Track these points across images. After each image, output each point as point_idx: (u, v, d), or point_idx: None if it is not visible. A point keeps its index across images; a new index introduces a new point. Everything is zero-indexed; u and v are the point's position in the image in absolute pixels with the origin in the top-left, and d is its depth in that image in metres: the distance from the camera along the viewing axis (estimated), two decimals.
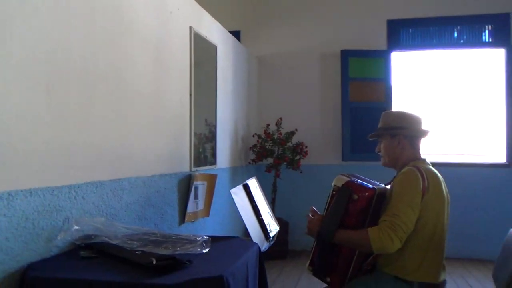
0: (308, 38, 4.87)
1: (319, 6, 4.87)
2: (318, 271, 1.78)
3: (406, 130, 1.87)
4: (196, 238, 1.61)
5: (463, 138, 4.79)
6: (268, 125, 4.39)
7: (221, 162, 3.64)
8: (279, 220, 4.39)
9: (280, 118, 4.40)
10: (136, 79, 2.27)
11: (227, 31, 3.89)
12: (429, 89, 4.86)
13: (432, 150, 4.77)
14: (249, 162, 4.53)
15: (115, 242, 1.57)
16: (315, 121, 4.83)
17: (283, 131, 4.37)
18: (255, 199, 2.25)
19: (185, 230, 2.86)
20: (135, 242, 1.56)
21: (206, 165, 3.28)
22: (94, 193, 1.88)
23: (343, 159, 4.66)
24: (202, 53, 3.18)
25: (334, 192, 1.77)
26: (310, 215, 1.84)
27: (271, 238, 2.26)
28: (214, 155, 3.49)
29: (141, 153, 2.33)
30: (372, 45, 4.69)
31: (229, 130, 3.95)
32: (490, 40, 4.48)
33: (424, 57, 4.80)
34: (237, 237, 2.41)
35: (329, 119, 4.81)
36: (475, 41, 4.54)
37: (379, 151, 1.98)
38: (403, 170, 1.79)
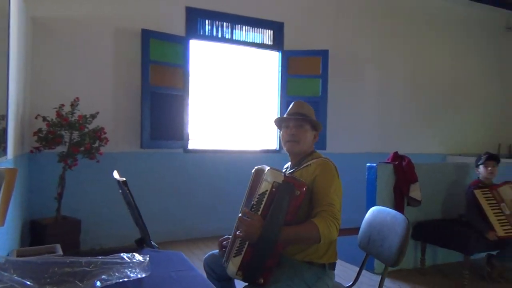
0: (104, 7, 4.28)
1: None
2: (250, 275, 1.66)
3: (320, 128, 1.99)
4: (133, 259, 1.23)
5: (243, 127, 5.36)
6: (63, 105, 3.62)
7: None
8: (68, 219, 3.77)
9: (77, 98, 3.71)
10: None
11: None
12: (220, 80, 5.18)
13: (215, 138, 5.14)
14: (31, 151, 3.63)
15: None
16: (110, 104, 4.32)
17: (77, 114, 3.70)
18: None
19: None
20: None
21: None
22: None
23: (142, 146, 4.38)
24: None
25: (274, 189, 1.67)
26: (246, 218, 1.67)
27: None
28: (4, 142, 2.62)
29: None
30: (172, 29, 4.58)
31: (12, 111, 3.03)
32: (270, 43, 5.17)
33: (218, 49, 5.05)
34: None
35: (126, 102, 4.41)
36: (259, 43, 5.13)
37: (292, 136, 1.98)
38: (318, 161, 1.89)
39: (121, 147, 4.35)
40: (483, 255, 3.60)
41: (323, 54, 5.14)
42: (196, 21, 4.78)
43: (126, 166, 4.28)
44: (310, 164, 1.92)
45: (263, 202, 1.69)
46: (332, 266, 1.92)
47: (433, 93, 6.34)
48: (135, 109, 4.39)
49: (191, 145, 4.80)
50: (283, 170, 2.12)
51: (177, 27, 4.65)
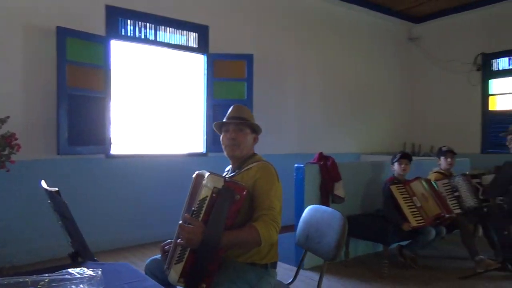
0: (11, 0, 3.89)
1: None
2: (193, 281, 1.64)
3: (260, 132, 2.02)
4: (84, 274, 1.17)
5: (169, 131, 5.24)
6: None
7: None
8: None
9: None
10: None
11: None
12: (145, 82, 5.00)
13: (140, 142, 4.97)
14: None
15: None
16: (21, 107, 3.94)
17: None
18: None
19: None
20: None
21: None
22: None
23: (58, 153, 4.07)
24: None
25: (214, 195, 1.65)
26: (187, 224, 1.63)
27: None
28: None
29: None
30: (91, 28, 4.31)
31: None
32: (196, 46, 5.12)
33: (141, 50, 4.88)
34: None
35: (40, 105, 4.06)
36: (184, 45, 5.05)
37: (232, 140, 1.98)
38: (258, 164, 1.92)
39: (35, 154, 3.98)
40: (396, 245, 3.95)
41: (248, 58, 5.24)
42: (117, 21, 4.56)
43: (41, 174, 3.86)
44: (251, 167, 1.95)
45: (204, 208, 1.68)
46: (274, 265, 1.98)
47: (347, 96, 6.79)
48: (50, 112, 4.05)
49: (114, 150, 4.57)
50: (224, 174, 2.13)
51: (97, 26, 4.39)
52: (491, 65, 6.78)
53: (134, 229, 4.61)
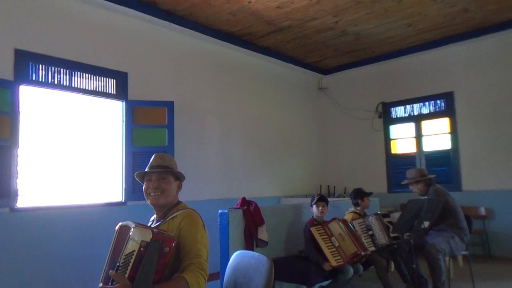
0: None
1: None
2: None
3: (183, 178, 2.03)
4: None
5: (84, 180, 4.95)
6: None
7: None
8: None
9: None
10: None
11: None
12: (59, 129, 4.72)
13: (52, 193, 4.63)
14: None
15: None
16: None
17: None
18: None
19: None
20: None
21: None
22: None
23: None
24: None
25: (142, 249, 1.59)
26: (112, 283, 1.55)
27: None
28: None
29: None
30: None
31: None
32: (114, 92, 5.02)
33: (54, 96, 4.64)
34: None
35: None
36: (101, 91, 4.92)
37: (155, 188, 1.96)
38: (183, 213, 1.91)
39: None
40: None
41: (169, 105, 5.25)
42: (27, 65, 4.32)
43: None
44: (176, 215, 1.94)
45: (131, 263, 1.61)
46: None
47: (266, 141, 7.07)
48: None
49: (21, 203, 4.17)
50: (149, 224, 2.08)
51: (4, 71, 4.13)
52: (390, 112, 7.59)
53: None
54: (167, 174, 2.01)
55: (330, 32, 6.31)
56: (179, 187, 2.09)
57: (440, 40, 6.75)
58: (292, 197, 7.11)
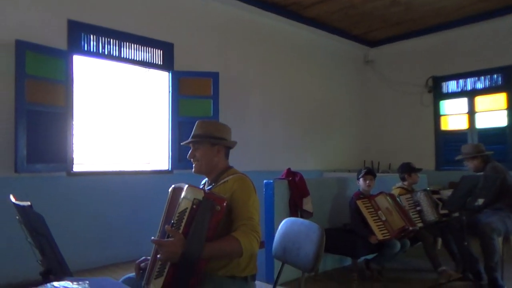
0: None
1: None
2: None
3: (226, 141, 2.00)
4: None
5: (132, 148, 5.12)
6: None
7: None
8: None
9: None
10: None
11: None
12: (108, 98, 4.87)
13: (104, 159, 4.82)
14: None
15: None
16: None
17: None
18: None
19: None
20: None
21: None
22: None
23: (16, 171, 3.84)
24: None
25: (194, 206, 1.63)
26: (167, 236, 1.59)
27: None
28: None
29: None
30: (52, 42, 4.18)
31: None
32: (160, 63, 5.08)
33: (104, 66, 4.76)
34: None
35: None
36: (149, 62, 4.99)
37: (193, 158, 1.99)
38: (234, 177, 1.91)
39: None
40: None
41: (214, 76, 5.26)
42: (79, 36, 4.44)
43: None
44: (227, 180, 1.95)
45: (184, 220, 1.66)
46: (253, 277, 1.96)
47: (308, 115, 6.95)
48: (7, 128, 3.85)
49: (77, 168, 4.38)
50: (200, 186, 2.11)
51: (58, 41, 4.27)
52: (441, 87, 7.22)
53: (98, 250, 4.39)
54: (197, 143, 2.01)
55: (379, 1, 6.02)
56: (220, 151, 2.04)
57: (498, 10, 6.26)
58: (334, 171, 7.01)
